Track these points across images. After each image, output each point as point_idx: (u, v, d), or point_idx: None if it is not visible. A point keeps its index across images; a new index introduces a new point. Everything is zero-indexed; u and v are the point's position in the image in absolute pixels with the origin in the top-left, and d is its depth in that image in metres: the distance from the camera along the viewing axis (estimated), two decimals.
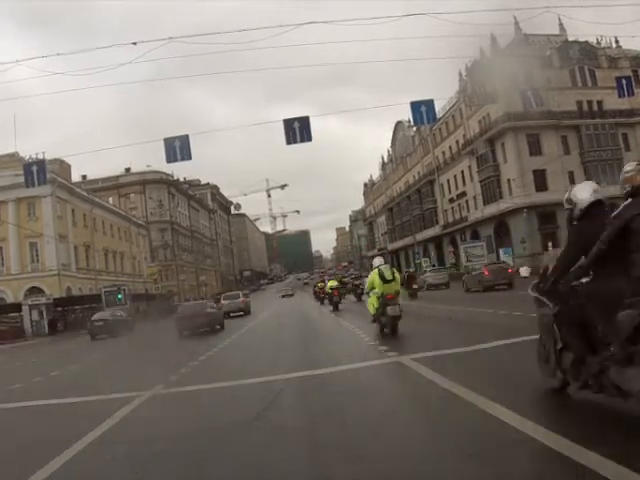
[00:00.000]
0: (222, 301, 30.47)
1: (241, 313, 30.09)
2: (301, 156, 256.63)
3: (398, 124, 75.30)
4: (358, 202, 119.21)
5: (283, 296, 58.33)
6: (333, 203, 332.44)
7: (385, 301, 10.70)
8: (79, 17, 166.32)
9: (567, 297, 3.98)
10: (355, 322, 14.82)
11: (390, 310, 10.54)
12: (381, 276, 11.14)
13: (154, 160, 72.97)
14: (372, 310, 11.42)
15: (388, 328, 10.76)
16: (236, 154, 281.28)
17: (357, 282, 28.43)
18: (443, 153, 60.16)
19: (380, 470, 3.32)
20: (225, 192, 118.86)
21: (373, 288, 11.43)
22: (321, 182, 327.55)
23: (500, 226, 47.90)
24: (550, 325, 4.14)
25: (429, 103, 16.05)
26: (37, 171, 16.50)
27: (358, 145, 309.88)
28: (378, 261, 11.61)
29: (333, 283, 26.62)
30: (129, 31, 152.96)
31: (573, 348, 3.90)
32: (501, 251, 45.08)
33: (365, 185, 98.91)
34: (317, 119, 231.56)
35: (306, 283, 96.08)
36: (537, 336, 4.67)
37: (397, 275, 11.61)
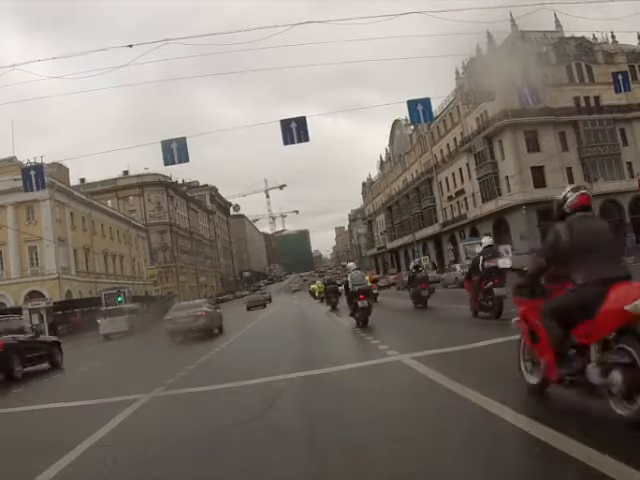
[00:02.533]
0: (252, 297, 49.74)
1: (268, 301, 48.21)
2: (300, 156, 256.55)
3: (396, 122, 75.21)
4: (357, 201, 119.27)
5: (294, 291, 78.73)
6: (332, 203, 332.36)
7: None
8: (85, 19, 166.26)
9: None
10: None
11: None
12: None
13: (154, 163, 73.17)
14: (317, 294, 34.46)
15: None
16: (236, 155, 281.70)
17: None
18: (441, 151, 60.12)
19: (381, 470, 3.33)
20: (224, 193, 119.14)
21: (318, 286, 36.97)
22: (320, 182, 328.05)
23: (499, 223, 47.90)
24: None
25: (426, 102, 16.08)
26: (35, 175, 16.54)
27: (358, 144, 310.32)
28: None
29: (315, 285, 42.85)
30: (137, 35, 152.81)
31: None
32: (501, 248, 45.06)
33: (364, 184, 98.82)
34: (316, 119, 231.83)
35: (305, 280, 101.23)
36: None
37: (317, 285, 38.46)
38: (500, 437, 3.63)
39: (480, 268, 11.45)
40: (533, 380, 4.47)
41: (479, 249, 12.31)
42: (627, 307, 3.36)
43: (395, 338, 9.89)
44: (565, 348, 3.93)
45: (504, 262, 7.97)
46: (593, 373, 3.59)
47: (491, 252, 11.72)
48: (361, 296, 13.38)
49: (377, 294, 24.44)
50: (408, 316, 15.55)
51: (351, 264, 17.30)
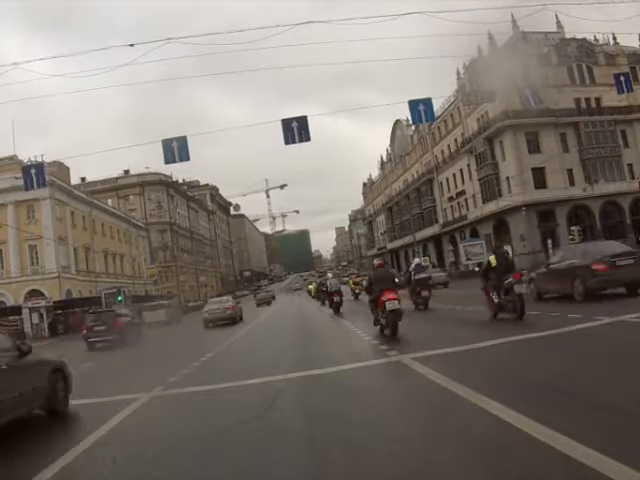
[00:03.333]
0: (259, 295, 54.42)
1: (272, 299, 52.26)
2: (301, 156, 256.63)
3: (397, 123, 75.16)
4: (358, 202, 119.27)
5: (295, 290, 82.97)
6: (333, 203, 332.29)
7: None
8: (86, 18, 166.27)
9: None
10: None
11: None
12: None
13: (154, 162, 73.19)
14: (313, 293, 40.90)
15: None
16: (236, 155, 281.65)
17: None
18: (442, 152, 60.09)
19: (381, 470, 3.32)
20: (224, 193, 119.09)
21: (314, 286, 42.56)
22: (321, 182, 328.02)
23: (499, 224, 47.87)
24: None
25: (427, 102, 16.01)
26: (36, 174, 16.46)
27: (359, 144, 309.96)
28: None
29: (311, 286, 48.82)
30: (139, 34, 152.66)
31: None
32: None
33: (364, 184, 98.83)
34: (318, 119, 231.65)
35: (305, 280, 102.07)
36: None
37: (313, 286, 43.99)
38: (499, 437, 3.62)
39: (412, 279, 17.38)
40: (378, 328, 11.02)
41: (412, 266, 18.50)
42: (383, 298, 10.20)
43: (395, 340, 9.92)
44: (376, 313, 10.98)
45: (419, 276, 17.14)
46: (381, 321, 10.71)
47: (420, 269, 17.92)
48: (335, 295, 21.91)
49: (359, 293, 30.81)
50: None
51: (330, 274, 31.29)
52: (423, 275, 17.55)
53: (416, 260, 19.98)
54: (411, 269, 18.27)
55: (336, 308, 21.20)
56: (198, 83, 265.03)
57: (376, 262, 12.46)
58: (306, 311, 27.38)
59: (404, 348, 8.36)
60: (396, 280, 11.62)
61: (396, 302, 10.06)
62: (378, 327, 10.99)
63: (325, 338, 12.83)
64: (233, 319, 23.42)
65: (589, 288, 12.10)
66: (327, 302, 25.06)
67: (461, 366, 6.39)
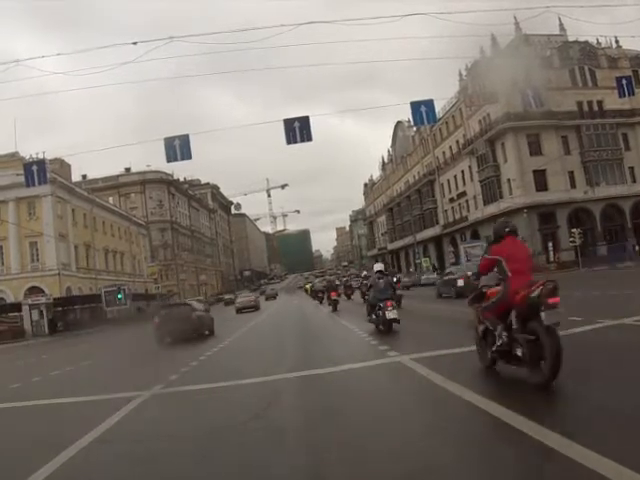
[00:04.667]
0: (267, 292, 65.31)
1: (276, 295, 62.89)
2: (303, 156, 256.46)
3: (398, 124, 75.15)
4: (359, 202, 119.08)
5: (298, 287, 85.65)
6: (334, 203, 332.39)
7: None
8: (89, 16, 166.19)
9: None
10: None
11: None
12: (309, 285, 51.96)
13: (156, 161, 73.02)
14: (309, 292, 47.80)
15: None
16: (238, 154, 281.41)
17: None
18: (443, 153, 60.09)
19: (381, 470, 3.33)
20: (225, 192, 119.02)
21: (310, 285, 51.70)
22: (322, 182, 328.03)
23: None
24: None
25: (429, 103, 16.02)
26: (37, 171, 16.51)
27: (362, 144, 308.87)
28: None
29: (307, 285, 55.81)
30: (143, 33, 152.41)
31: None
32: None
33: (365, 185, 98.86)
34: (322, 118, 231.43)
35: (306, 278, 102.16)
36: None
37: (309, 286, 51.39)
38: (499, 438, 3.63)
39: (362, 283, 25.50)
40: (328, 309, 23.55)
41: (362, 275, 29.28)
42: (331, 294, 24.13)
43: (393, 338, 9.93)
44: (329, 300, 24.51)
45: (366, 282, 21.68)
46: (331, 304, 23.57)
47: (367, 278, 23.74)
48: (320, 292, 31.81)
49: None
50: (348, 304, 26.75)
51: (317, 280, 44.69)
52: (368, 282, 26.87)
53: (364, 272, 30.76)
54: (362, 276, 28.37)
55: (320, 301, 31.17)
56: (202, 82, 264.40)
57: (328, 279, 27.79)
58: (302, 303, 36.90)
59: (404, 349, 8.37)
60: (338, 285, 27.40)
61: (336, 296, 23.43)
62: (330, 306, 22.79)
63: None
64: (255, 307, 36.26)
65: (457, 292, 19.60)
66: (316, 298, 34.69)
67: (460, 367, 6.40)
